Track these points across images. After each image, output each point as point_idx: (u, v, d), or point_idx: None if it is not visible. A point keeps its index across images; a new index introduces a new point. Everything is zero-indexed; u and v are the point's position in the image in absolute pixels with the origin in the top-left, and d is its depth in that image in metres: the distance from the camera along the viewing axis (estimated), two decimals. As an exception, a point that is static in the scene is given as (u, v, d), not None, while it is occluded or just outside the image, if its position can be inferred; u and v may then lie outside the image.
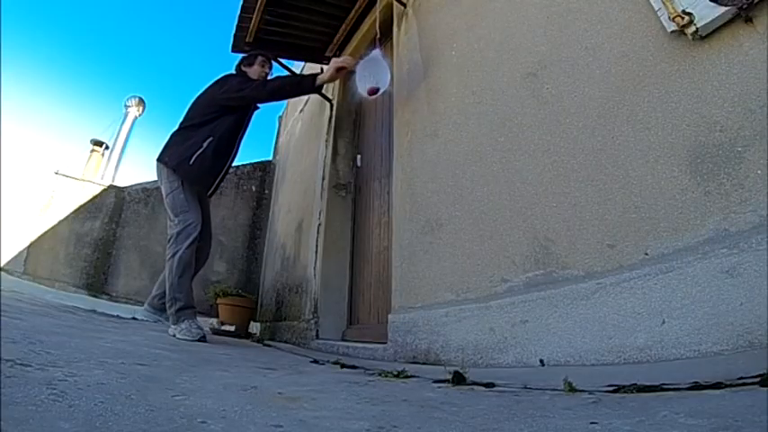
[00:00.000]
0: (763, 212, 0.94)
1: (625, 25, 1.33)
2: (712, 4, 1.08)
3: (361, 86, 2.40)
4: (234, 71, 3.00)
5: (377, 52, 2.44)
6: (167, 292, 2.56)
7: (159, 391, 0.86)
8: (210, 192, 2.87)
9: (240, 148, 2.95)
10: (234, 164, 3.06)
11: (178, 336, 2.41)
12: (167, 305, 2.55)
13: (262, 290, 5.13)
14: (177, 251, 2.58)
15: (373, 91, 2.36)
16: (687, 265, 1.04)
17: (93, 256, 4.91)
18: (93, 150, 15.43)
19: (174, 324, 2.49)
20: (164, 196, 2.73)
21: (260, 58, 2.99)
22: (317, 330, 3.06)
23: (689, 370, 0.89)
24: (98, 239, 4.97)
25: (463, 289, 1.75)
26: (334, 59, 2.61)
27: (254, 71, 2.94)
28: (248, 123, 2.99)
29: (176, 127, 2.84)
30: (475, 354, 1.58)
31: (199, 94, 2.91)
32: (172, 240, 2.62)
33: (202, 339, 2.44)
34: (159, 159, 2.77)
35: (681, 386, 0.78)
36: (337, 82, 3.96)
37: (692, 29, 1.11)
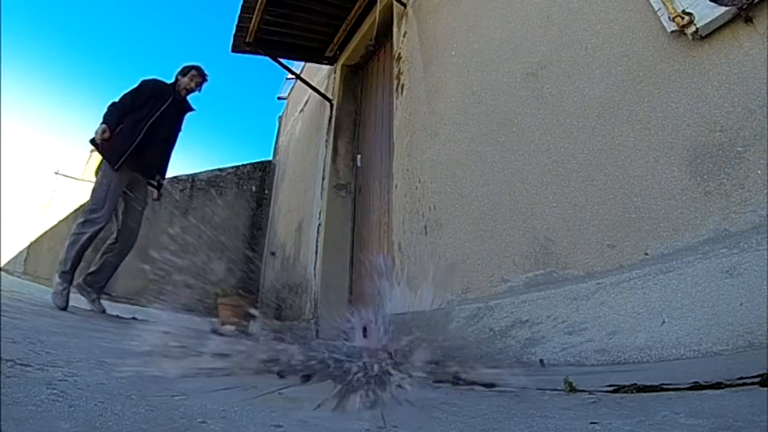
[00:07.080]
0: (763, 212, 0.94)
1: (625, 25, 1.33)
2: (712, 4, 1.08)
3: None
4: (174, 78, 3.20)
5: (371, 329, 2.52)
6: (61, 255, 2.86)
7: (159, 391, 0.86)
8: (148, 178, 3.09)
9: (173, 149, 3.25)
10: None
11: (51, 297, 2.71)
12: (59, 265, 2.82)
13: (262, 290, 5.13)
14: (81, 234, 2.87)
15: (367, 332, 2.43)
16: (687, 265, 1.04)
17: (93, 256, 4.91)
18: (93, 150, 15.44)
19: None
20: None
21: (192, 72, 3.14)
22: (317, 330, 3.06)
23: (689, 370, 0.89)
24: (98, 239, 4.96)
25: (463, 289, 1.75)
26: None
27: (181, 82, 3.12)
28: (177, 123, 3.20)
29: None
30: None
31: None
32: (80, 221, 2.89)
33: (63, 309, 2.65)
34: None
35: (681, 386, 0.78)
36: (338, 82, 3.96)
37: (692, 29, 1.11)
